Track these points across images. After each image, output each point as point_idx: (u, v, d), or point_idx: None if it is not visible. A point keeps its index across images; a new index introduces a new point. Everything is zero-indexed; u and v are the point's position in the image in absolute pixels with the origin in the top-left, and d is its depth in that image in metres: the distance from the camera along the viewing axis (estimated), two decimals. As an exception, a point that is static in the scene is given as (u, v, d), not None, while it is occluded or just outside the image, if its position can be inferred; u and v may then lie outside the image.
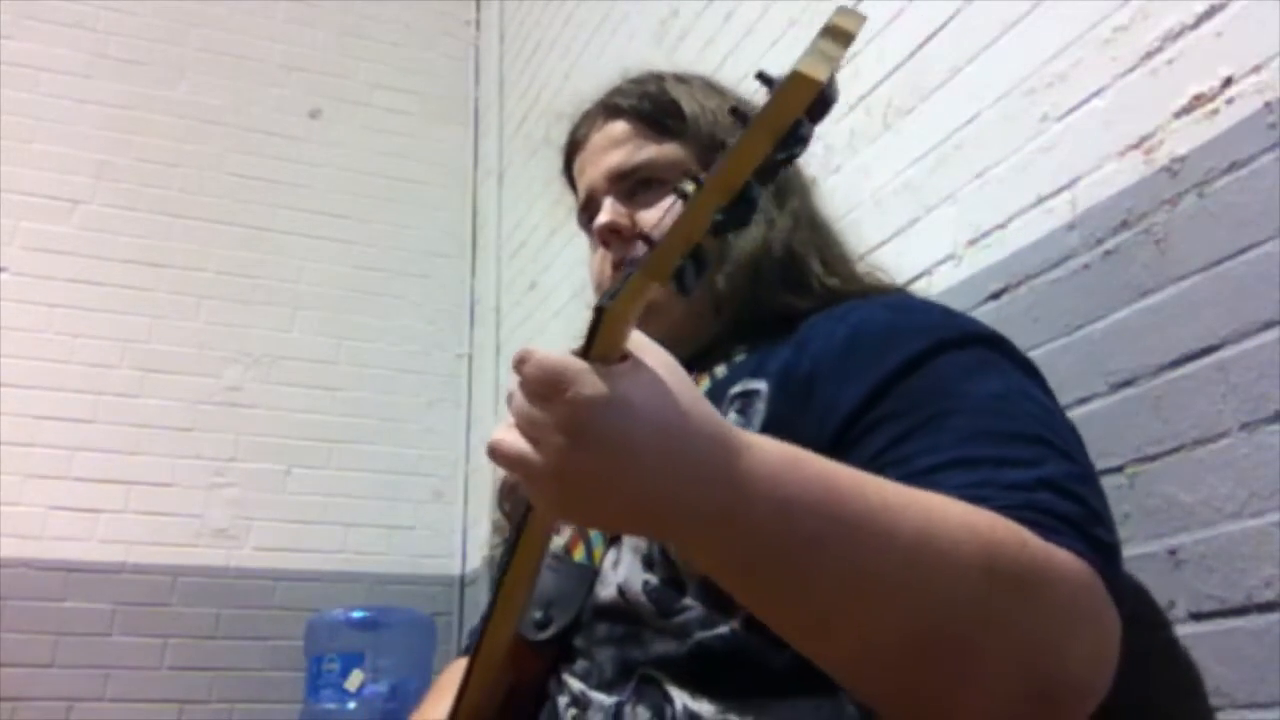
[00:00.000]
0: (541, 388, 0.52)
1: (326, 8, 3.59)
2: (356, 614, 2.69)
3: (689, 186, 0.47)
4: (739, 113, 0.45)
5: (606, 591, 0.81)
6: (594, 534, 0.85)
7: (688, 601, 0.76)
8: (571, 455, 0.52)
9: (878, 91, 1.54)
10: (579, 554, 0.85)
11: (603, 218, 0.95)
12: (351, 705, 2.54)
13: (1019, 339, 1.19)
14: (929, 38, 1.44)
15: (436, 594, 3.07)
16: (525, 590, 0.76)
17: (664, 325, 0.81)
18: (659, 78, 1.02)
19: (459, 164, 3.61)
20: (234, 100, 3.37)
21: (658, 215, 0.93)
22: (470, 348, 3.41)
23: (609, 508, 0.55)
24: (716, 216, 0.46)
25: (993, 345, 0.81)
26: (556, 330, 2.77)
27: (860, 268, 0.98)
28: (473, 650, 0.81)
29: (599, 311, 0.52)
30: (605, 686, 0.78)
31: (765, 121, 0.44)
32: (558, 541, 0.87)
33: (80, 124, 3.15)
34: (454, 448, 3.29)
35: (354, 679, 2.56)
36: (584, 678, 0.80)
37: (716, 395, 0.81)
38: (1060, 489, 0.66)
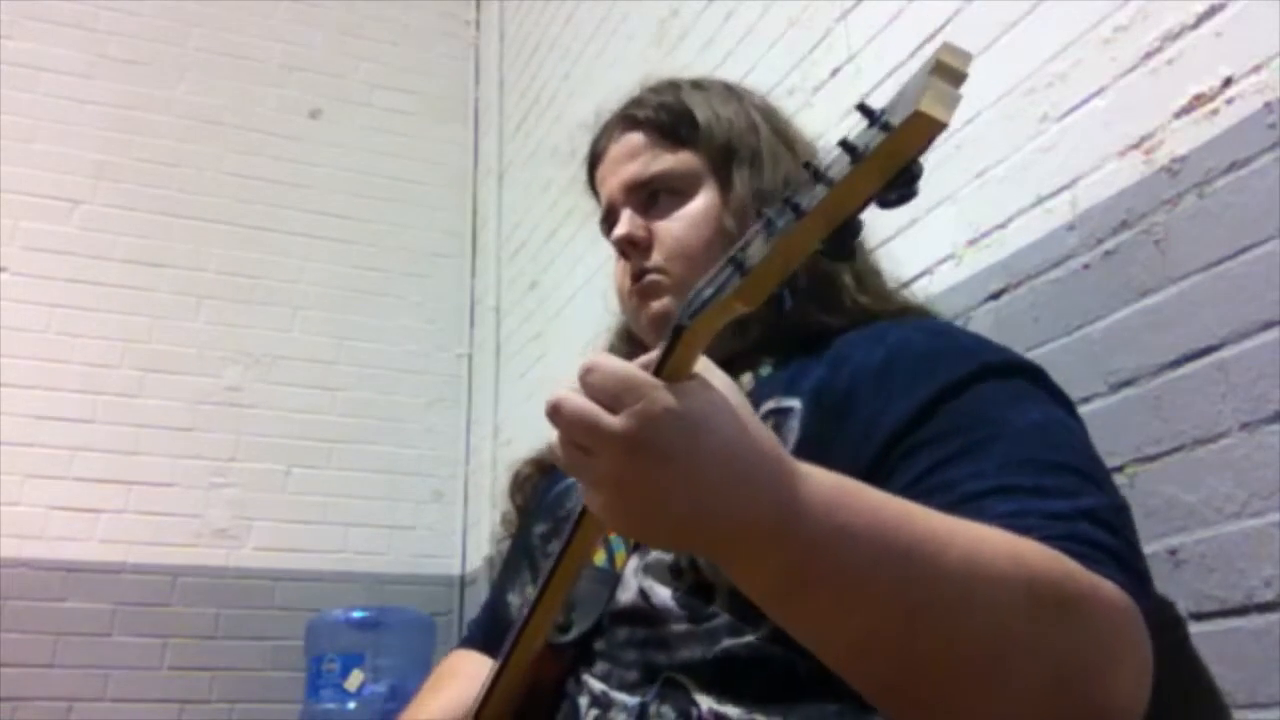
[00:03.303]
0: (610, 398, 0.52)
1: (326, 8, 3.59)
2: (356, 614, 2.69)
3: (784, 215, 0.46)
4: (849, 145, 0.43)
5: (627, 595, 0.82)
6: (615, 538, 0.85)
7: (715, 609, 0.77)
8: (631, 468, 0.52)
9: (878, 91, 1.54)
10: (600, 558, 0.86)
11: (619, 229, 0.97)
12: (351, 705, 2.54)
13: (1019, 339, 1.19)
14: (929, 38, 1.44)
15: (436, 594, 3.07)
16: (563, 598, 0.77)
17: None
18: (675, 86, 1.03)
19: (459, 164, 3.61)
20: (234, 100, 3.36)
21: (677, 226, 0.95)
22: (470, 348, 3.41)
23: (662, 522, 0.55)
24: (820, 246, 0.46)
25: (1033, 377, 0.82)
26: (556, 330, 2.77)
27: (890, 285, 0.99)
28: (504, 656, 0.82)
29: (677, 330, 0.52)
30: (628, 688, 0.79)
31: (880, 158, 0.43)
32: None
33: (80, 124, 3.15)
34: (454, 448, 3.29)
35: (354, 679, 2.56)
36: (605, 679, 0.81)
37: (756, 412, 0.82)
38: (1099, 520, 0.67)
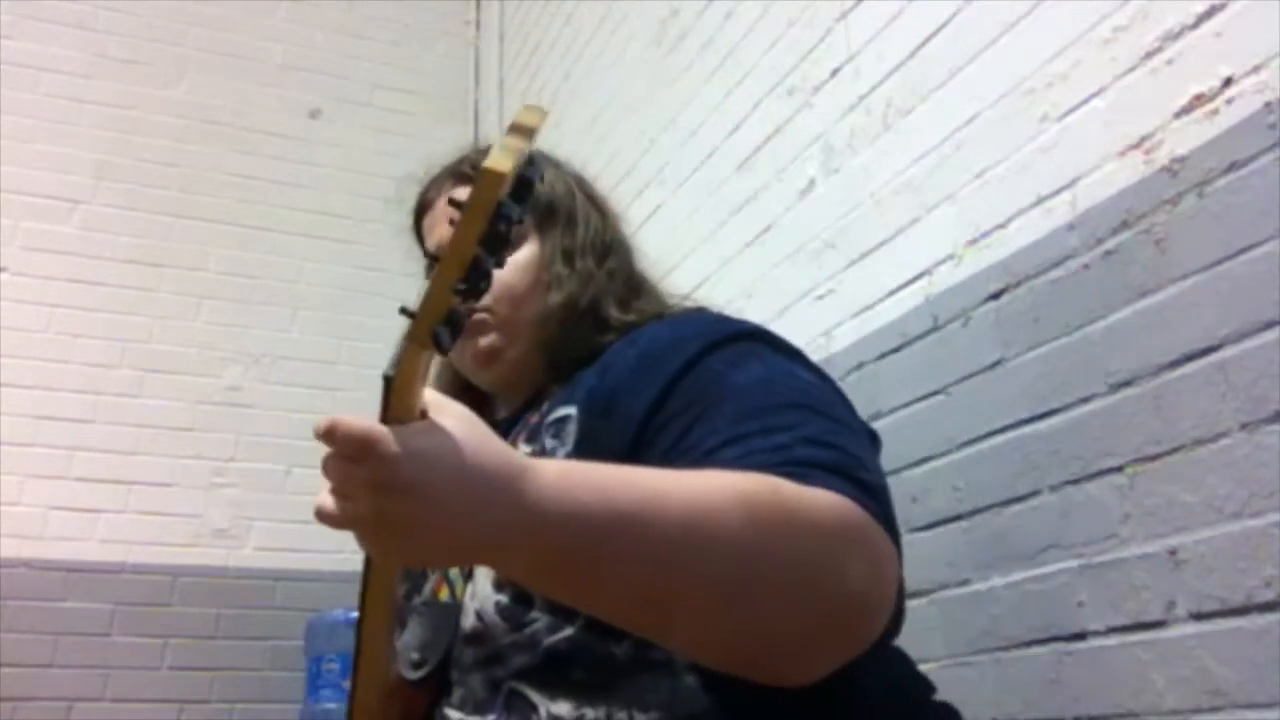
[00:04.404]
0: (350, 452, 0.59)
1: (326, 8, 3.59)
2: (356, 614, 2.68)
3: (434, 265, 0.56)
4: (457, 203, 0.55)
5: (468, 621, 0.88)
6: (453, 573, 0.93)
7: (535, 614, 0.83)
8: (383, 506, 0.59)
9: (878, 91, 1.54)
10: (443, 594, 0.93)
11: None
12: (351, 705, 2.54)
13: (1019, 339, 1.20)
14: (929, 38, 1.44)
15: (436, 594, 3.07)
16: (387, 633, 0.84)
17: (501, 376, 1.01)
18: None
19: (459, 164, 3.61)
20: (234, 100, 3.36)
21: (504, 272, 1.03)
22: (470, 348, 3.41)
23: (425, 545, 0.62)
24: (459, 286, 0.56)
25: (755, 338, 0.90)
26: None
27: (672, 303, 1.05)
28: (348, 697, 0.88)
29: (387, 380, 0.60)
30: (479, 709, 0.85)
31: (473, 209, 0.54)
32: (425, 589, 0.95)
33: (80, 124, 3.15)
34: (454, 448, 3.29)
35: (354, 679, 2.56)
36: (460, 706, 0.87)
37: (542, 425, 0.92)
38: (818, 442, 0.75)
